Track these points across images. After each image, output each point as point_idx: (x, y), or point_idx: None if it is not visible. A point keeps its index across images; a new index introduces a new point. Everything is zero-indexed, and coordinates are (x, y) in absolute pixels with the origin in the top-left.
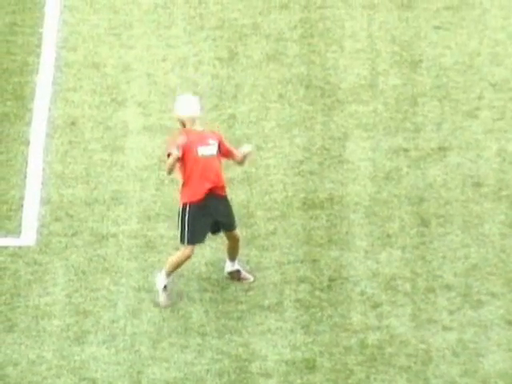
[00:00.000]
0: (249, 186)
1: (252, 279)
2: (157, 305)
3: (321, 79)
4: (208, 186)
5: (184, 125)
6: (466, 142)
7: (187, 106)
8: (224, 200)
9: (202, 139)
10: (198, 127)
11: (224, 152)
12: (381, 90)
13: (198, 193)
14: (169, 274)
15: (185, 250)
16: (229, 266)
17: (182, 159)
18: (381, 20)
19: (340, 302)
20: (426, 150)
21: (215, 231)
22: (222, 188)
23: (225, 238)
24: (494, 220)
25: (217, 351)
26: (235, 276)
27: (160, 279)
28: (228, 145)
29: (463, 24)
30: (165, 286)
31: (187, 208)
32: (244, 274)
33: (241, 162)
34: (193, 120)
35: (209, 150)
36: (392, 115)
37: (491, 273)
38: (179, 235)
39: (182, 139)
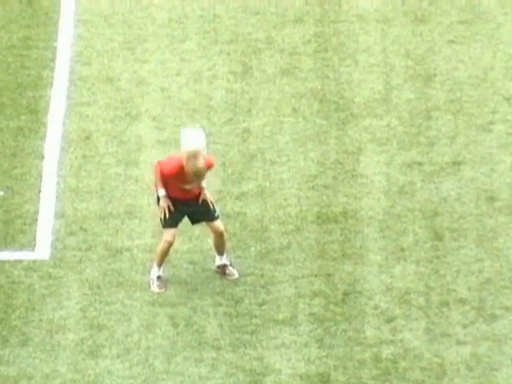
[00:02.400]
0: (263, 200)
1: (237, 276)
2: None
3: (335, 93)
4: (181, 197)
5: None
6: (479, 156)
7: (189, 141)
8: (197, 201)
9: (190, 180)
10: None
11: None
12: (395, 104)
13: (171, 197)
14: (159, 264)
15: (165, 234)
16: (217, 260)
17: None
18: (395, 34)
19: (354, 316)
20: (439, 164)
21: (194, 222)
22: (199, 195)
23: (239, 253)
24: (508, 234)
25: (231, 365)
26: (221, 270)
27: (153, 271)
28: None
29: (477, 38)
30: (158, 277)
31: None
32: (230, 269)
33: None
34: (196, 154)
35: (192, 185)
36: (406, 129)
37: (505, 287)
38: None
39: (165, 169)
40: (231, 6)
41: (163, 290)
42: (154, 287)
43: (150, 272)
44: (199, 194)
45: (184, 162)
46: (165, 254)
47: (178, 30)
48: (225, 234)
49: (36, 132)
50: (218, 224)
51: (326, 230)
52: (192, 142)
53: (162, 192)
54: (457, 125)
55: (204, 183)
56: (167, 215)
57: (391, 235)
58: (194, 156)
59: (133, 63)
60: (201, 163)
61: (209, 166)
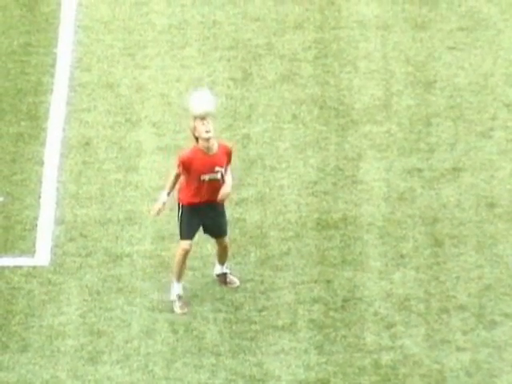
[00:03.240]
0: (262, 206)
1: (238, 284)
2: (173, 312)
3: (335, 100)
4: (204, 199)
5: (197, 140)
6: (479, 162)
7: (198, 102)
8: (218, 208)
9: (208, 166)
10: (212, 147)
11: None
12: (395, 111)
13: (193, 202)
14: (177, 278)
15: (181, 244)
16: (218, 269)
17: (183, 173)
18: (395, 40)
19: (354, 323)
20: (439, 171)
21: (205, 232)
22: (220, 203)
23: (239, 259)
24: (508, 240)
25: (231, 371)
26: (222, 279)
27: (172, 289)
28: (229, 161)
29: (477, 45)
30: (179, 296)
31: (181, 207)
32: (230, 278)
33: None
34: (205, 116)
35: (212, 176)
36: (406, 136)
37: (505, 293)
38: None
39: (184, 155)
40: (231, 13)
41: (186, 310)
42: (177, 308)
43: (170, 293)
44: (220, 200)
45: (197, 134)
46: (182, 265)
47: (178, 36)
48: (228, 247)
49: (36, 138)
50: (225, 239)
51: (325, 236)
52: (200, 104)
53: (162, 196)
54: (457, 131)
55: (228, 176)
56: (157, 214)
57: (391, 241)
58: (203, 118)
59: (133, 69)
60: (210, 126)
61: (226, 152)
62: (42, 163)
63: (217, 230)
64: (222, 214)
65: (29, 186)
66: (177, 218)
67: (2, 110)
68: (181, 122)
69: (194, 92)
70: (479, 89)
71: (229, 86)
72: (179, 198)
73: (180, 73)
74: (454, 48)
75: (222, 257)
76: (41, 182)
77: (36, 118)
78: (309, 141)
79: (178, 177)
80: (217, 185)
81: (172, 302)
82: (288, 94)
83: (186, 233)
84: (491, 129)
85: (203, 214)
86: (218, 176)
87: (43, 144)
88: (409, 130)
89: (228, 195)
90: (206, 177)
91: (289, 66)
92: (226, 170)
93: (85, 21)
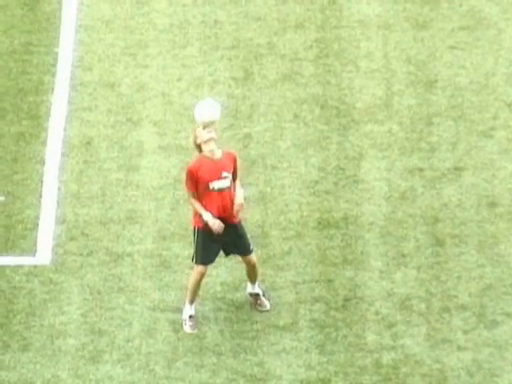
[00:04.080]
0: (264, 205)
1: (268, 307)
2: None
3: (336, 99)
4: (216, 215)
5: (199, 146)
6: (481, 161)
7: (202, 110)
8: (236, 226)
9: (215, 172)
10: (214, 150)
11: (233, 173)
12: (396, 110)
13: (207, 226)
14: (191, 300)
15: (196, 268)
16: (249, 288)
17: (192, 189)
18: (396, 40)
19: (355, 322)
20: (441, 170)
21: (227, 254)
22: (235, 216)
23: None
24: (509, 240)
25: (232, 371)
26: (253, 299)
27: (185, 310)
28: (237, 169)
29: (478, 44)
30: (190, 316)
31: (197, 231)
32: (262, 300)
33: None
34: (209, 124)
35: (221, 183)
36: (407, 135)
37: (506, 293)
38: (192, 253)
39: (189, 166)
40: (232, 12)
41: (195, 330)
42: (187, 328)
43: (182, 311)
44: (235, 219)
45: (199, 141)
46: (197, 286)
47: (179, 35)
48: (257, 265)
49: (37, 137)
50: (252, 257)
51: (326, 236)
52: (204, 112)
53: (206, 215)
54: (458, 131)
55: (238, 188)
56: (216, 228)
57: (392, 241)
58: (206, 126)
59: (134, 68)
60: (214, 133)
61: (231, 158)
62: (43, 162)
63: (240, 249)
64: (241, 231)
65: (30, 186)
66: (192, 241)
67: (3, 109)
68: (182, 121)
69: (199, 101)
70: (480, 88)
71: (230, 86)
72: (194, 222)
73: (181, 72)
74: (455, 47)
75: (252, 275)
76: (42, 182)
77: (37, 118)
78: (310, 140)
79: (195, 197)
80: (227, 196)
81: (183, 320)
82: (289, 94)
83: (202, 257)
84: (492, 128)
85: (221, 236)
86: (227, 183)
87: (44, 143)
88: (410, 129)
89: (242, 206)
90: (215, 185)
91: (290, 66)
92: (234, 177)
93: (86, 20)
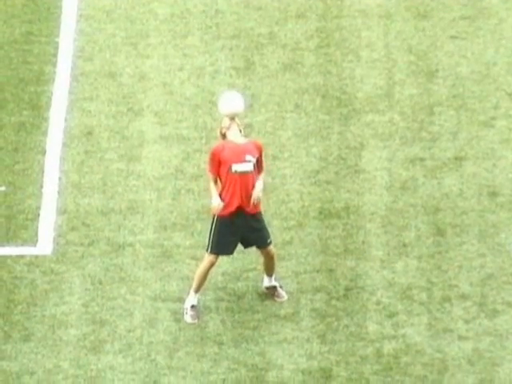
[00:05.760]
0: (265, 195)
1: (285, 298)
2: (181, 318)
3: (337, 89)
4: (238, 202)
5: (224, 135)
6: (482, 151)
7: (227, 103)
8: (255, 216)
9: (239, 155)
10: (238, 137)
11: (258, 163)
12: (397, 100)
13: (228, 208)
14: (196, 289)
15: (208, 257)
16: (266, 281)
17: (218, 173)
18: (397, 30)
19: (356, 312)
20: (442, 160)
21: (246, 246)
22: (256, 205)
23: (242, 248)
24: (510, 229)
25: (233, 360)
26: (271, 291)
27: (188, 298)
28: (262, 160)
29: (479, 34)
30: (192, 306)
31: (216, 219)
32: (279, 291)
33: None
34: (234, 116)
35: (244, 166)
36: (408, 125)
37: (507, 282)
38: (206, 242)
39: (214, 147)
40: (233, 1)
41: (196, 320)
42: (188, 318)
43: (183, 301)
44: (256, 206)
45: (225, 132)
46: (205, 276)
47: (180, 25)
48: (275, 257)
49: (38, 127)
50: (270, 248)
51: (328, 226)
52: (229, 104)
53: (215, 198)
54: (459, 120)
55: (260, 180)
56: (215, 210)
57: (393, 231)
58: (232, 119)
59: (135, 58)
60: (240, 126)
61: (257, 145)
62: (44, 153)
63: (260, 240)
64: (259, 223)
65: (31, 176)
66: (209, 230)
67: (3, 100)
68: (183, 111)
69: (225, 92)
70: (481, 78)
71: (231, 75)
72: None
73: (182, 62)
74: (456, 37)
75: (270, 268)
76: (43, 172)
77: (38, 108)
78: (311, 130)
79: (216, 182)
80: (249, 181)
81: (184, 309)
82: (290, 84)
83: (216, 247)
84: (493, 118)
85: (240, 227)
86: (250, 167)
87: (45, 133)
88: (411, 119)
89: (259, 198)
90: (238, 167)
91: (291, 56)
92: (258, 164)
93: (87, 10)
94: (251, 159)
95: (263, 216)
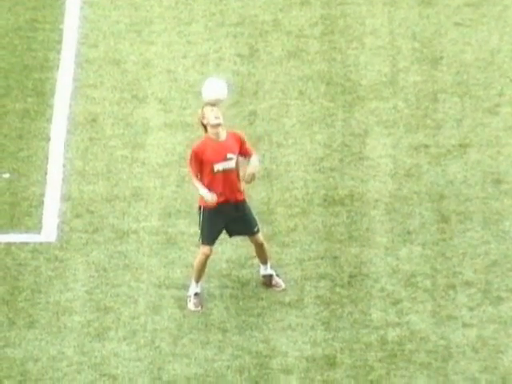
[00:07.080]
0: (269, 182)
1: (283, 286)
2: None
3: (341, 76)
4: (222, 198)
5: (205, 128)
6: (486, 138)
7: (210, 89)
8: (240, 205)
9: (220, 153)
10: (220, 133)
11: (243, 152)
12: (401, 87)
13: (210, 206)
14: (196, 279)
15: (202, 248)
16: (262, 270)
17: (197, 169)
18: (401, 17)
19: (360, 299)
20: (446, 147)
21: (232, 235)
22: (239, 194)
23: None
24: None
25: (237, 347)
26: (267, 280)
27: (191, 287)
28: (247, 147)
29: (484, 21)
30: (196, 294)
31: (203, 211)
32: (276, 280)
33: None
34: (215, 103)
35: (226, 164)
36: (412, 112)
37: (511, 269)
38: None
39: (195, 147)
40: None
41: (199, 308)
42: (191, 305)
43: (187, 288)
44: (239, 193)
45: (206, 122)
46: (202, 267)
47: (184, 12)
48: (265, 244)
49: (42, 114)
50: (258, 237)
51: (332, 213)
52: (212, 91)
53: (202, 190)
54: (463, 107)
55: (254, 159)
56: (210, 201)
57: (397, 218)
58: (213, 105)
59: (139, 45)
60: (219, 113)
61: (236, 139)
62: (48, 139)
63: (246, 229)
64: (246, 211)
65: (35, 163)
66: (198, 222)
67: (8, 87)
68: (187, 98)
69: (208, 79)
70: (486, 65)
71: (235, 63)
72: (200, 201)
73: (186, 49)
74: (460, 24)
75: (262, 256)
76: (47, 159)
77: (42, 95)
78: (315, 117)
79: (197, 177)
80: (232, 176)
81: (187, 297)
82: (294, 71)
83: (207, 237)
84: (498, 105)
85: (225, 216)
86: (232, 164)
87: (49, 120)
88: (415, 106)
89: (253, 176)
90: (220, 166)
91: (295, 43)
92: (245, 156)
93: None
94: (232, 156)
95: (249, 204)
